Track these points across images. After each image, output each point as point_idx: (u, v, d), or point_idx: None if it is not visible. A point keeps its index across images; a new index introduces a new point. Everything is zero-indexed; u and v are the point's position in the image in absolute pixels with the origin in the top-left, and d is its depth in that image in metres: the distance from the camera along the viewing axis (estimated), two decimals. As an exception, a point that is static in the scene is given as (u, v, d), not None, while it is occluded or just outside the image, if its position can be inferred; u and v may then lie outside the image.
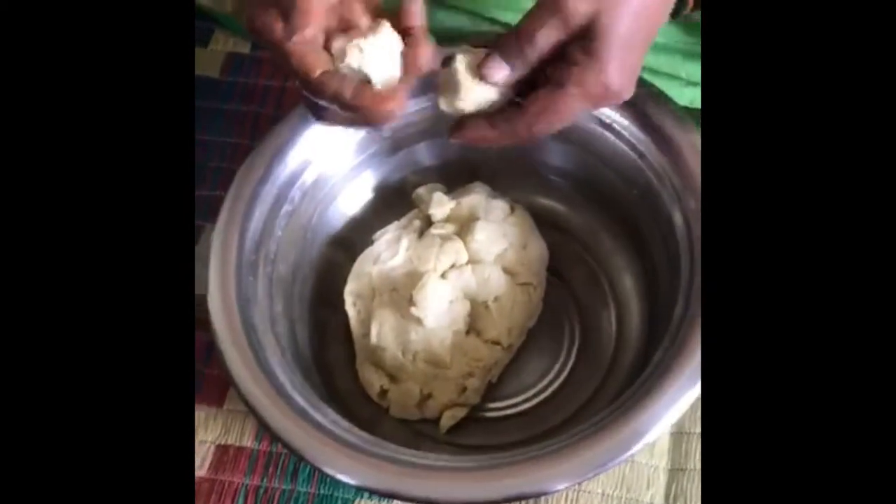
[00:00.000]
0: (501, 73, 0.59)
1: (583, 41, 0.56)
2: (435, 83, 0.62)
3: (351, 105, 0.57)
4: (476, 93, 0.60)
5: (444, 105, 0.62)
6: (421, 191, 0.79)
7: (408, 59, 0.58)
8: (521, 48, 0.58)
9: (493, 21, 0.77)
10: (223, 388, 0.76)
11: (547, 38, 0.57)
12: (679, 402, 0.59)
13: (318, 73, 0.56)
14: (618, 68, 0.57)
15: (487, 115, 0.61)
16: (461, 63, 0.60)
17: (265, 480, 0.72)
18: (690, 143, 0.68)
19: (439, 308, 0.72)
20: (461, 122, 0.62)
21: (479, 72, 0.59)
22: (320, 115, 0.61)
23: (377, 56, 0.57)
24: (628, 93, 0.59)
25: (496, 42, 0.59)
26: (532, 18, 0.57)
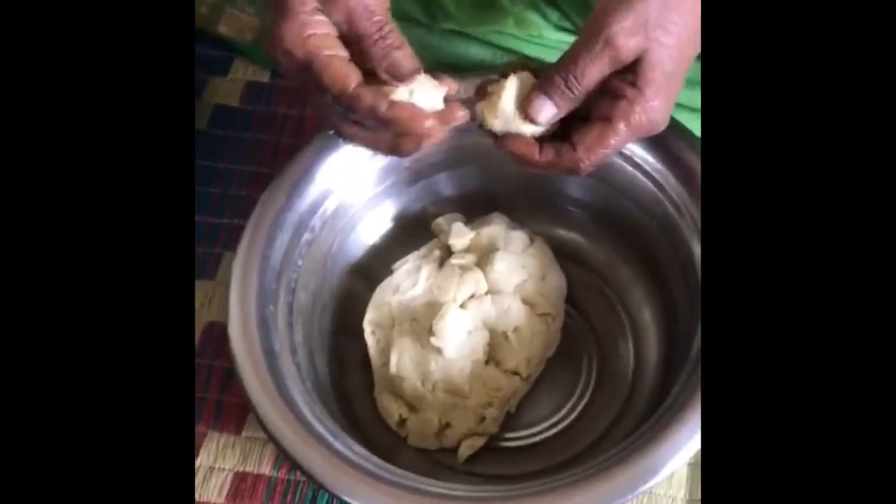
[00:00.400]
0: (547, 113, 0.58)
1: (629, 75, 0.56)
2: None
3: (386, 117, 0.56)
4: (516, 126, 0.59)
5: (481, 120, 0.60)
6: (440, 221, 0.79)
7: (446, 111, 0.58)
8: (569, 87, 0.56)
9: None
10: (241, 415, 0.76)
11: (595, 75, 0.56)
12: (697, 435, 0.59)
13: (353, 85, 0.56)
14: (663, 102, 0.56)
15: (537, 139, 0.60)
16: (509, 93, 0.59)
17: (283, 509, 0.73)
18: (709, 175, 0.68)
19: (459, 338, 0.72)
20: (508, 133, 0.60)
21: (523, 108, 0.58)
22: (346, 132, 0.60)
23: (423, 96, 0.58)
24: (664, 125, 0.58)
25: (540, 80, 0.58)
26: (578, 55, 0.56)
